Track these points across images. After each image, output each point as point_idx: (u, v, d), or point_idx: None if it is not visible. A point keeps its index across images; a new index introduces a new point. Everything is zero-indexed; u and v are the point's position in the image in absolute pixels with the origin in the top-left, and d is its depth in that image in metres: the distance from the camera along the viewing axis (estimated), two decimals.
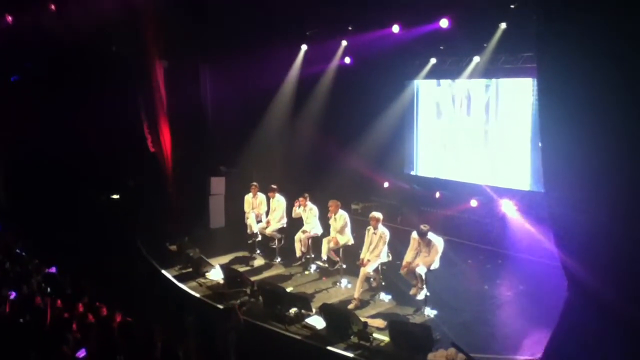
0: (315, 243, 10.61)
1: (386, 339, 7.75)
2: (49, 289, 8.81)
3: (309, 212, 10.71)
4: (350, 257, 9.94)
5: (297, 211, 10.84)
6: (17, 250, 10.88)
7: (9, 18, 13.98)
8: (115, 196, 15.63)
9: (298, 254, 10.65)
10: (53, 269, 9.83)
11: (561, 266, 7.20)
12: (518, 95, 12.45)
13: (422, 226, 8.64)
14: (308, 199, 10.79)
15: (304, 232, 10.59)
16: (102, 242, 12.22)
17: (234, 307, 8.06)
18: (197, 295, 9.82)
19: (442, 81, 13.90)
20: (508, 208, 11.89)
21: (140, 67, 13.51)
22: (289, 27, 13.53)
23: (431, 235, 8.62)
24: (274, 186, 11.39)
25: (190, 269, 10.76)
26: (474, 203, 12.59)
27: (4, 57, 14.34)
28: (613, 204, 6.15)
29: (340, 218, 10.01)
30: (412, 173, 14.64)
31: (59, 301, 7.87)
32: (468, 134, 13.47)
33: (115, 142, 14.41)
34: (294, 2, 11.91)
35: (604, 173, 6.15)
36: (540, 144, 7.24)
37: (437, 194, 13.49)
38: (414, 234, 8.78)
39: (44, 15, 13.40)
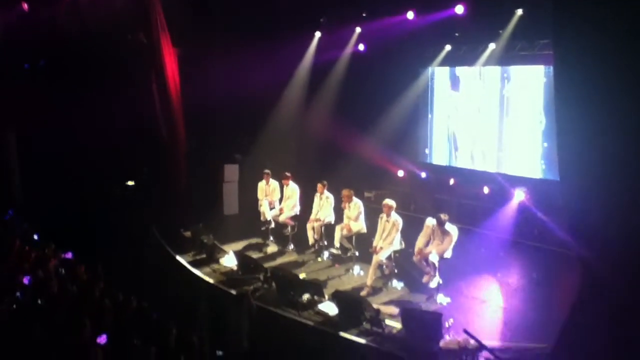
0: (328, 230, 10.64)
1: (398, 325, 7.78)
2: (64, 274, 8.96)
3: (324, 200, 10.70)
4: (363, 245, 9.96)
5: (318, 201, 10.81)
6: (35, 237, 11.06)
7: (25, 5, 14.08)
8: (130, 183, 15.74)
9: (311, 241, 10.69)
10: (69, 254, 9.97)
11: (575, 255, 7.18)
12: (530, 83, 12.34)
13: (442, 215, 8.63)
14: (326, 187, 10.79)
15: (317, 219, 10.61)
16: (117, 228, 12.33)
17: (246, 293, 8.13)
18: (211, 281, 9.91)
19: (458, 68, 13.78)
20: (521, 196, 11.84)
21: (154, 55, 13.53)
22: (302, 15, 13.47)
23: (447, 225, 8.61)
24: (287, 174, 11.42)
25: (204, 255, 10.86)
26: (485, 190, 12.55)
27: (19, 46, 14.47)
28: (628, 193, 6.11)
29: (355, 206, 10.01)
30: (427, 161, 14.58)
31: (73, 287, 8.01)
32: (482, 121, 13.38)
33: (129, 130, 14.49)
34: None
35: (620, 162, 6.09)
36: (556, 133, 7.18)
37: (452, 181, 13.44)
38: (429, 221, 8.77)
39: (58, 5, 13.47)
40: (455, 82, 13.93)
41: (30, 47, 14.72)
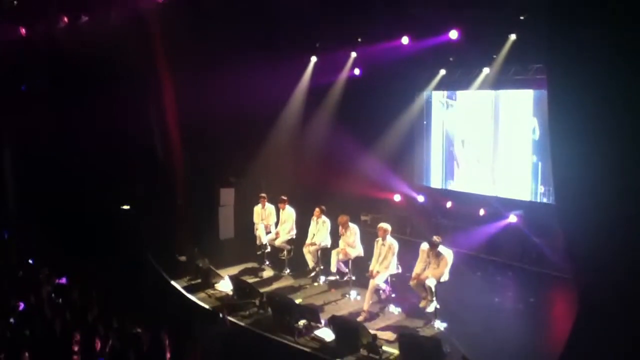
0: (324, 255, 10.59)
1: (396, 351, 7.70)
2: (59, 300, 8.88)
3: (321, 225, 10.67)
4: (359, 269, 9.90)
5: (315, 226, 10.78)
6: (30, 261, 10.98)
7: (22, 30, 14.19)
8: (126, 207, 15.68)
9: (310, 265, 10.63)
10: (63, 280, 9.89)
11: (572, 278, 7.16)
12: (520, 106, 12.47)
13: (434, 237, 8.62)
14: (324, 212, 10.75)
15: (312, 244, 10.57)
16: (112, 252, 12.25)
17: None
18: (206, 306, 9.82)
19: (452, 92, 13.88)
20: (515, 219, 11.85)
21: (151, 77, 13.61)
22: (298, 38, 13.58)
23: (441, 248, 8.59)
24: (284, 197, 11.40)
25: (200, 280, 10.77)
26: (481, 212, 12.55)
27: (17, 67, 14.53)
28: (625, 214, 6.11)
29: (352, 232, 9.99)
30: (423, 184, 14.60)
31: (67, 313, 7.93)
32: (476, 144, 13.45)
33: (126, 152, 14.49)
34: (304, 14, 11.97)
35: (615, 182, 6.11)
36: (550, 157, 7.21)
37: (449, 204, 13.44)
38: (423, 246, 8.75)
39: (56, 27, 13.57)
40: (449, 106, 14.02)
41: (28, 68, 14.82)
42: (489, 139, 13.15)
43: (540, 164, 12.06)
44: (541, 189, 12.10)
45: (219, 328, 7.68)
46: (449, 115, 14.04)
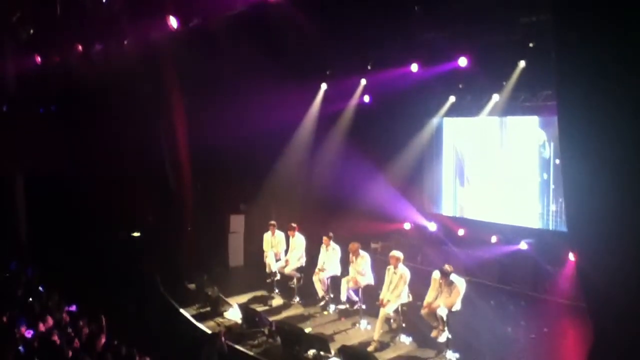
0: (334, 283, 10.50)
1: None
2: (68, 327, 8.84)
3: (331, 252, 10.61)
4: (369, 297, 9.81)
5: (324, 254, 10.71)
6: (40, 288, 10.97)
7: (38, 59, 14.45)
8: (136, 234, 15.71)
9: (320, 294, 10.54)
10: (73, 307, 9.87)
11: (586, 306, 7.03)
12: (527, 133, 12.48)
13: (446, 266, 8.53)
14: (332, 239, 10.70)
15: (322, 269, 10.50)
16: (122, 279, 12.23)
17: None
18: (208, 331, 9.73)
19: (464, 119, 13.88)
20: (526, 247, 11.74)
21: (163, 104, 13.75)
22: (309, 66, 13.68)
23: (453, 277, 8.49)
24: (294, 225, 11.36)
25: (209, 308, 10.71)
26: (493, 239, 12.43)
27: (32, 94, 14.76)
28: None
29: (362, 260, 9.92)
30: (434, 211, 14.51)
31: (76, 341, 7.89)
32: (487, 171, 13.40)
33: (136, 179, 14.57)
34: (314, 41, 12.07)
35: (630, 213, 6.03)
36: (562, 185, 7.15)
37: (461, 232, 13.32)
38: (435, 274, 8.65)
39: (71, 55, 13.79)
40: (459, 132, 14.01)
41: (43, 95, 15.03)
42: (497, 166, 13.11)
43: (549, 187, 12.04)
44: (552, 207, 12.01)
45: (216, 349, 7.67)
46: (459, 142, 14.01)
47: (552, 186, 12.06)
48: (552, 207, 12.04)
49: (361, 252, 9.98)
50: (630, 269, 6.28)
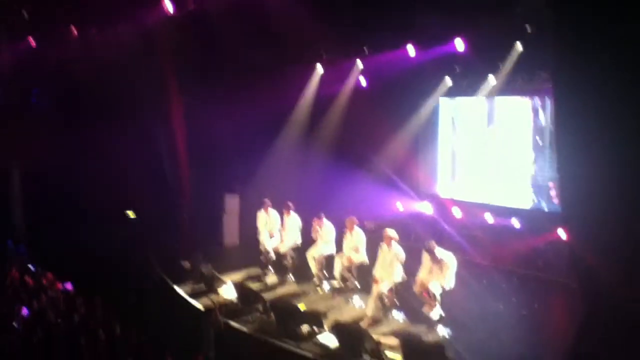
0: (328, 261, 10.56)
1: (399, 357, 7.63)
2: (62, 305, 8.89)
3: (324, 230, 10.66)
4: (363, 275, 9.87)
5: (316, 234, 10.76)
6: (30, 266, 11.00)
7: (31, 40, 14.34)
8: (130, 213, 15.72)
9: (314, 271, 10.60)
10: (69, 285, 9.91)
11: (577, 284, 7.14)
12: (520, 116, 12.59)
13: (429, 242, 8.57)
14: (324, 217, 10.76)
15: (317, 249, 10.56)
16: (116, 258, 12.27)
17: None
18: (201, 307, 9.78)
19: (457, 99, 13.91)
20: (519, 225, 11.84)
21: (158, 88, 13.73)
22: (304, 49, 13.67)
23: (441, 252, 8.54)
24: (289, 203, 11.39)
25: (203, 286, 10.76)
26: (490, 220, 12.51)
27: (26, 82, 14.69)
28: (631, 216, 6.12)
29: (356, 236, 9.98)
30: (429, 192, 14.59)
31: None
32: (479, 152, 13.48)
33: (130, 160, 14.56)
34: (309, 24, 12.05)
35: (621, 186, 6.12)
36: (556, 165, 7.23)
37: (458, 213, 13.38)
38: (425, 252, 8.71)
39: (66, 39, 13.71)
40: (456, 114, 14.06)
41: (37, 83, 14.95)
42: (491, 147, 13.18)
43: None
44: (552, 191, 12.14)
45: (211, 324, 7.75)
46: (455, 125, 14.06)
47: (546, 165, 12.16)
48: (546, 187, 12.16)
49: (356, 228, 10.03)
50: (621, 248, 6.38)
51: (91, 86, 14.27)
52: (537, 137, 12.31)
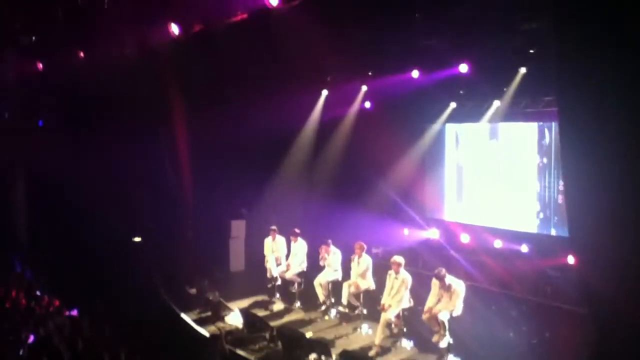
0: (335, 287, 10.50)
1: None
2: (68, 331, 8.83)
3: (332, 257, 10.62)
4: (371, 302, 9.80)
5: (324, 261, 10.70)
6: (38, 292, 10.96)
7: (39, 65, 14.50)
8: (137, 239, 15.70)
9: (321, 298, 10.54)
10: (75, 312, 9.86)
11: (588, 311, 7.04)
12: (525, 139, 12.58)
13: (439, 270, 8.51)
14: (331, 244, 10.71)
15: (324, 276, 10.49)
16: (123, 284, 12.21)
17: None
18: (207, 334, 9.72)
19: (462, 125, 13.91)
20: (527, 250, 11.77)
21: (163, 111, 13.78)
22: (309, 72, 13.72)
23: (450, 279, 8.48)
24: (297, 230, 11.36)
25: (210, 313, 10.70)
26: (498, 244, 12.42)
27: (34, 103, 14.81)
28: None
29: (364, 262, 9.93)
30: (435, 217, 14.52)
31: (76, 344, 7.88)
32: (487, 177, 13.44)
33: (138, 184, 14.58)
34: (315, 48, 12.12)
35: (631, 217, 6.05)
36: (564, 189, 7.19)
37: (466, 238, 13.30)
38: (435, 280, 8.64)
39: (72, 61, 13.84)
40: (460, 138, 14.05)
41: (44, 102, 15.08)
42: (497, 171, 13.15)
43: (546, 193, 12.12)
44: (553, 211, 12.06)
45: (217, 351, 7.67)
46: (461, 148, 14.04)
47: (552, 190, 12.10)
48: (553, 212, 12.09)
49: (364, 254, 9.99)
50: (632, 274, 6.29)
51: (96, 105, 14.37)
52: (544, 159, 12.28)
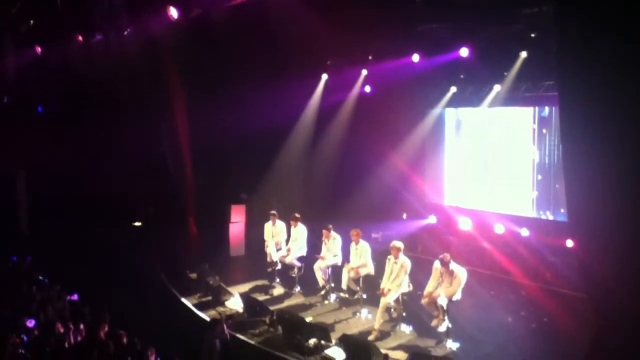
0: (335, 272, 10.54)
1: None
2: (70, 316, 8.87)
3: (331, 242, 10.64)
4: (370, 287, 9.83)
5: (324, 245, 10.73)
6: (40, 277, 11.01)
7: (38, 49, 14.43)
8: (137, 224, 15.75)
9: (321, 283, 10.58)
10: (75, 296, 9.90)
11: (587, 296, 7.08)
12: (522, 123, 12.55)
13: (444, 255, 8.54)
14: (332, 229, 10.74)
15: (324, 261, 10.52)
16: (123, 268, 12.28)
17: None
18: (207, 318, 9.76)
19: (462, 109, 13.86)
20: (528, 233, 11.79)
21: (164, 98, 13.75)
22: (309, 57, 13.67)
23: (454, 265, 8.50)
24: (297, 215, 11.36)
25: (210, 297, 10.74)
26: (500, 230, 12.44)
27: (32, 87, 14.75)
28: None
29: (362, 247, 9.95)
30: (435, 202, 14.53)
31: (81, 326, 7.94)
32: (485, 162, 13.44)
33: (138, 170, 14.60)
34: (314, 32, 12.05)
35: (629, 194, 6.08)
36: (563, 175, 7.19)
37: (467, 223, 13.32)
38: (436, 264, 8.66)
39: (71, 46, 13.78)
40: (460, 123, 14.01)
41: (43, 89, 15.02)
42: (497, 156, 13.13)
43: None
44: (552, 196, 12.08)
45: (217, 335, 7.74)
46: (460, 133, 14.01)
47: (551, 176, 12.09)
48: (551, 197, 12.10)
49: (362, 240, 10.01)
50: (630, 259, 6.32)
51: (96, 93, 14.34)
52: (541, 145, 12.28)
